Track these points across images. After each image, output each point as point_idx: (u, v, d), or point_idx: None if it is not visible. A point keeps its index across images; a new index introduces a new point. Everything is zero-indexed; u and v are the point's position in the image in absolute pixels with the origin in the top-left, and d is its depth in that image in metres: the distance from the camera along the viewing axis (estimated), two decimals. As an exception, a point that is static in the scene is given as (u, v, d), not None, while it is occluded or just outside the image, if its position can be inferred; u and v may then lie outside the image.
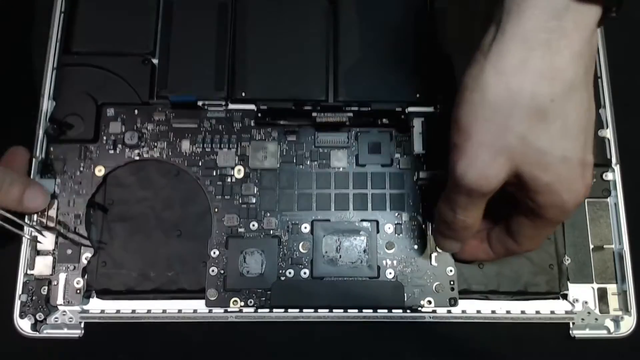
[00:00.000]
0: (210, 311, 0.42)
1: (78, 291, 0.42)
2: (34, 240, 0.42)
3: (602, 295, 0.43)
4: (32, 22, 0.48)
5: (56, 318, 0.42)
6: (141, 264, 0.42)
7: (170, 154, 0.44)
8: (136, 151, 0.44)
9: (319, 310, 0.41)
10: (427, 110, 0.45)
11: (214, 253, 0.42)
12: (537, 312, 0.42)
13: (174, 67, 0.45)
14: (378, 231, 0.43)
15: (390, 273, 0.42)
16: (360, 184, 0.44)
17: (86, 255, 0.42)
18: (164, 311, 0.42)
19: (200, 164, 0.44)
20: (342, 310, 0.42)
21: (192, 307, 0.42)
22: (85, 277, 0.42)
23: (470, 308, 0.42)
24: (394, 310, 0.42)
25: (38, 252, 0.42)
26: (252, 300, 0.41)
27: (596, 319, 0.42)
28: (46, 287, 0.42)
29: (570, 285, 0.43)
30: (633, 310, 0.42)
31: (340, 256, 0.42)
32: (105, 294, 0.42)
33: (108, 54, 0.46)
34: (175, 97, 0.44)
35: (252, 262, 0.42)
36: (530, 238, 0.35)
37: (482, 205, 0.33)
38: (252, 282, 0.42)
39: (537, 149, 0.29)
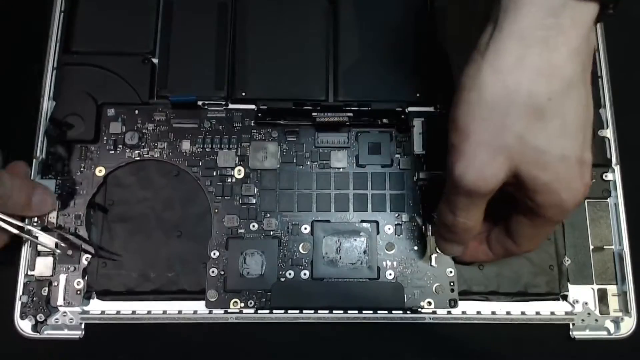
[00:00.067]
0: (210, 312, 0.42)
1: (78, 292, 0.42)
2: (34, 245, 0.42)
3: (602, 296, 0.43)
4: (32, 22, 0.48)
5: (56, 319, 0.42)
6: (141, 264, 0.42)
7: (170, 154, 0.44)
8: (136, 151, 0.44)
9: (319, 312, 0.42)
10: (427, 110, 0.45)
11: (214, 254, 0.42)
12: (537, 313, 0.42)
13: (174, 67, 0.45)
14: (378, 232, 0.43)
15: (390, 274, 0.42)
16: (360, 185, 0.44)
17: (86, 256, 0.42)
18: (164, 312, 0.42)
19: (200, 164, 0.44)
20: (342, 312, 0.42)
21: (192, 308, 0.42)
22: (86, 278, 0.42)
23: (470, 309, 0.42)
24: (394, 312, 0.42)
25: (39, 253, 0.42)
26: (252, 302, 0.41)
27: (596, 320, 0.42)
28: (47, 288, 0.42)
29: (570, 286, 0.43)
30: (633, 311, 0.42)
31: (340, 257, 0.42)
32: (106, 294, 0.42)
33: (108, 53, 0.46)
34: (175, 97, 0.44)
35: (252, 263, 0.42)
36: (530, 238, 0.35)
37: (482, 207, 0.33)
38: (252, 283, 0.42)
39: (535, 147, 0.29)
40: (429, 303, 0.42)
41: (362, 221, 0.43)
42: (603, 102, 0.45)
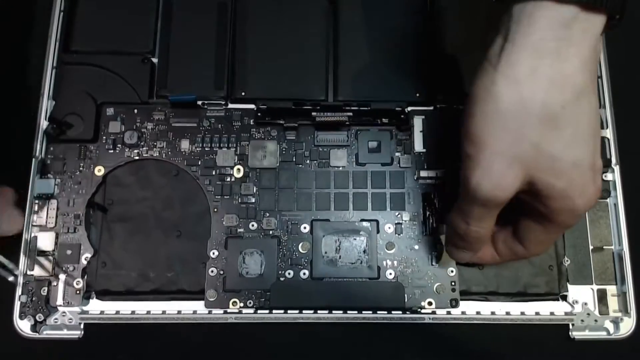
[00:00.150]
0: (209, 312, 0.41)
1: (78, 292, 0.42)
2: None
3: (602, 297, 0.43)
4: (32, 22, 0.48)
5: (56, 319, 0.42)
6: (141, 264, 0.42)
7: (169, 153, 0.44)
8: (136, 151, 0.44)
9: (319, 312, 0.41)
10: (427, 110, 0.45)
11: (214, 253, 0.42)
12: (537, 314, 0.42)
13: (173, 67, 0.45)
14: (378, 231, 0.43)
15: (390, 274, 0.42)
16: (360, 183, 0.44)
17: (86, 255, 0.42)
18: (164, 312, 0.42)
19: (199, 163, 0.44)
20: (341, 312, 0.42)
21: (191, 308, 0.42)
22: (85, 277, 0.42)
23: (470, 309, 0.42)
24: (393, 312, 0.41)
25: (38, 253, 0.42)
26: (252, 301, 0.41)
27: (596, 320, 0.42)
28: (46, 288, 0.42)
29: (570, 287, 0.43)
30: (632, 311, 0.42)
31: (340, 257, 0.42)
32: (105, 294, 0.42)
33: (108, 53, 0.46)
34: (174, 97, 0.44)
35: (252, 263, 0.42)
36: (539, 243, 0.35)
37: (495, 215, 0.33)
38: (251, 282, 0.42)
39: (550, 155, 0.30)
40: (430, 303, 0.42)
41: (362, 220, 0.43)
42: (603, 102, 0.45)
